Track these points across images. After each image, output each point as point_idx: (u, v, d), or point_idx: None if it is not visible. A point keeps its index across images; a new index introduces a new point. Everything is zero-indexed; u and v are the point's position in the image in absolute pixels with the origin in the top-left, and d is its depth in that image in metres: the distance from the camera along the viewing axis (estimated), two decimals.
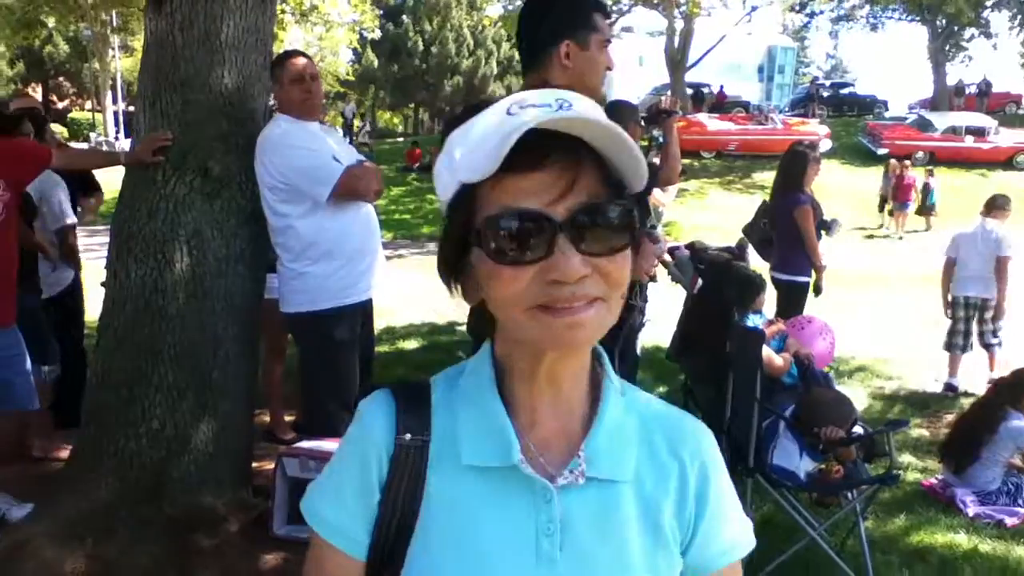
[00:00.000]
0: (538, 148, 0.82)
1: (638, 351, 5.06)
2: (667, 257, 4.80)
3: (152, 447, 3.39)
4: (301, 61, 3.66)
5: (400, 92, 39.93)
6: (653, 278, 2.42)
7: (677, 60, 26.91)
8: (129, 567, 3.12)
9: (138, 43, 28.16)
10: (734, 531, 1.01)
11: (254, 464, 3.88)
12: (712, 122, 23.88)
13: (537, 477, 0.91)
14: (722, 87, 31.50)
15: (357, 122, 35.36)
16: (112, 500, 3.32)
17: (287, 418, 4.86)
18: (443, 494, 0.93)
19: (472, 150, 0.86)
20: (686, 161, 4.99)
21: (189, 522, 3.33)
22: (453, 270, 0.93)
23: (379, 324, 4.31)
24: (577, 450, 0.93)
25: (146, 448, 3.39)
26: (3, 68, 39.29)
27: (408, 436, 0.94)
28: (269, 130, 3.57)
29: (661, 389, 5.73)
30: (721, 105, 29.76)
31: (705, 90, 30.35)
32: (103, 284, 3.67)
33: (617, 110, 5.03)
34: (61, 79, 42.60)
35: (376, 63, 38.51)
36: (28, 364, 3.71)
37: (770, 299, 4.82)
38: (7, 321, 3.60)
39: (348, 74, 36.90)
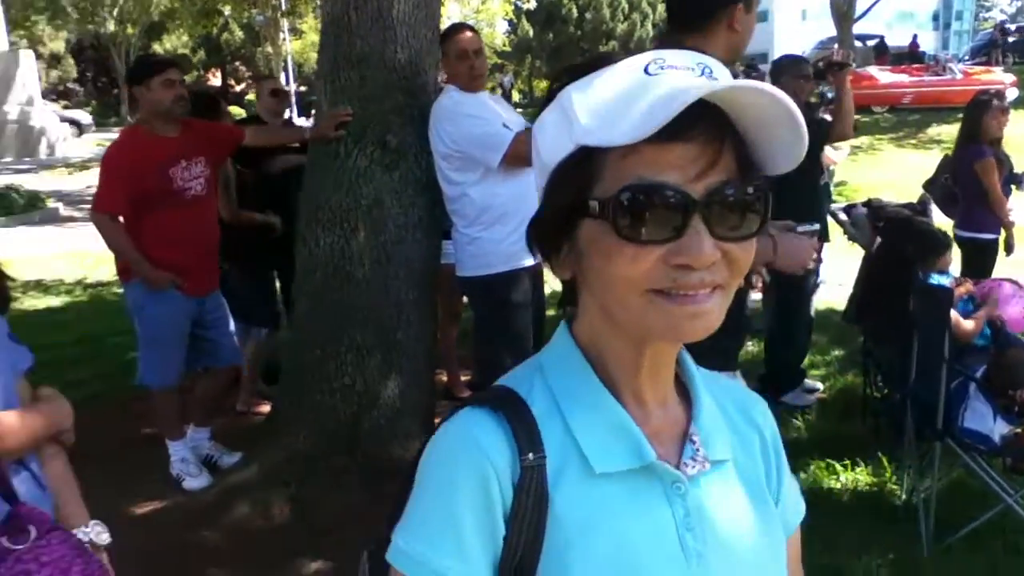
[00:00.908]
0: (684, 117, 0.71)
1: (812, 313, 4.94)
2: (842, 216, 4.65)
3: (344, 402, 3.64)
4: (466, 35, 3.78)
5: (556, 60, 39.82)
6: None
7: (844, 11, 25.49)
8: (327, 511, 3.38)
9: (306, 25, 29.49)
10: (797, 492, 1.00)
11: (436, 420, 4.08)
12: (884, 75, 22.55)
13: (672, 471, 0.85)
14: (915, 37, 29.60)
15: (516, 93, 35.59)
16: (310, 450, 3.60)
17: (463, 378, 5.06)
18: (572, 512, 0.82)
19: (608, 112, 0.76)
20: (856, 117, 4.77)
21: (379, 472, 3.56)
22: (550, 240, 0.85)
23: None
24: (684, 436, 0.88)
25: (339, 403, 3.64)
26: (187, 56, 42.22)
27: (531, 456, 0.81)
28: (441, 101, 3.71)
29: (837, 352, 5.56)
30: (914, 56, 27.92)
31: (871, 42, 28.66)
32: None
33: (781, 67, 4.89)
34: (237, 64, 45.18)
35: (531, 32, 38.63)
36: (232, 325, 4.06)
37: (956, 259, 4.58)
38: (213, 287, 3.95)
39: (504, 45, 37.21)
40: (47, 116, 23.42)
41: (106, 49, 37.49)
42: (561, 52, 38.99)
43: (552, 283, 7.74)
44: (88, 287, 8.99)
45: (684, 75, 0.77)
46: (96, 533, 1.34)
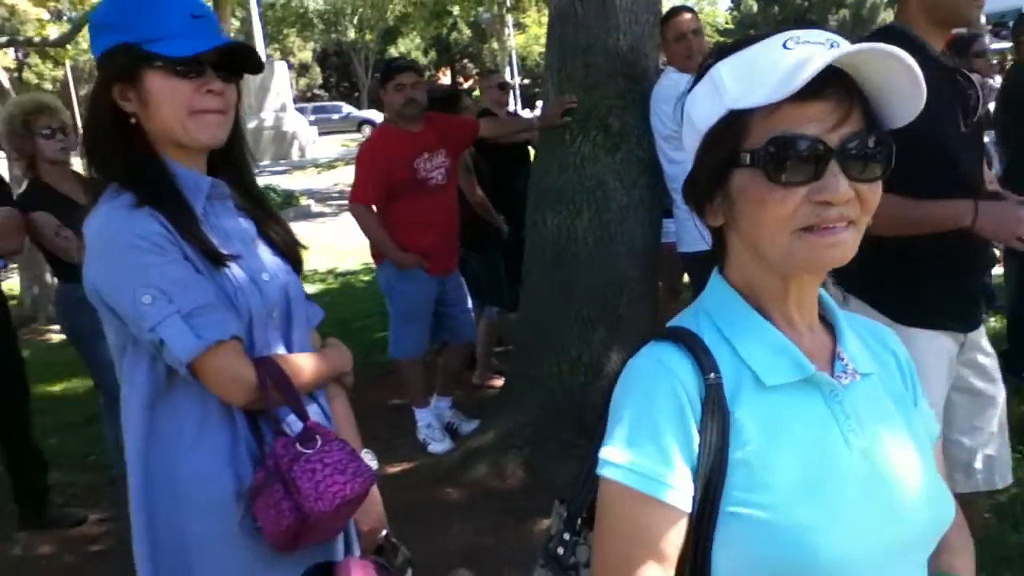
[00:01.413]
0: (819, 81, 0.88)
1: None
2: None
3: (572, 373, 3.87)
4: (684, 17, 3.87)
5: None
6: None
7: None
8: (556, 474, 3.62)
9: (529, 19, 30.22)
10: (931, 412, 1.13)
11: None
12: None
13: (830, 380, 1.00)
14: None
15: None
16: (540, 418, 3.86)
17: None
18: (751, 421, 0.96)
19: (754, 80, 0.93)
20: None
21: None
22: (704, 193, 1.00)
23: None
24: (833, 355, 1.04)
25: (567, 374, 3.88)
26: (419, 56, 44.63)
27: (712, 375, 0.96)
28: (660, 84, 3.83)
29: None
30: None
31: None
32: None
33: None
34: (465, 61, 47.15)
35: (755, 7, 37.39)
36: (469, 303, 4.42)
37: None
38: (453, 268, 4.31)
39: (727, 22, 36.31)
40: (298, 121, 25.66)
41: (347, 56, 40.46)
42: (786, 26, 37.47)
43: None
44: (338, 276, 9.89)
45: (816, 48, 0.91)
46: (369, 458, 1.62)
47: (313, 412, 1.56)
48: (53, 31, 12.32)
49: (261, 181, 14.96)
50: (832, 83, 0.91)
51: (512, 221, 4.89)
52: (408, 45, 42.32)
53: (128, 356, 1.47)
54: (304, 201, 15.83)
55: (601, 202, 3.90)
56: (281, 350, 1.56)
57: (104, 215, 1.44)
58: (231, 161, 1.59)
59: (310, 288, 8.98)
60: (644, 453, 0.95)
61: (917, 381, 1.13)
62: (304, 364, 1.56)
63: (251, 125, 22.69)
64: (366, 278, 9.44)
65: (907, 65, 0.91)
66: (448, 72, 45.79)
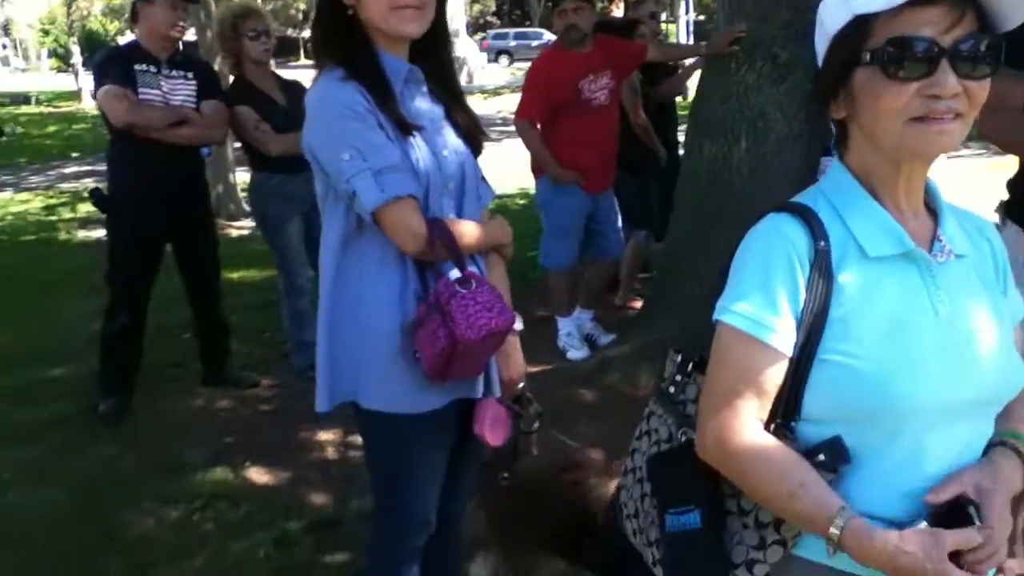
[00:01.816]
0: None
1: None
2: None
3: (712, 299, 3.99)
4: None
5: None
6: None
7: None
8: None
9: None
10: (1019, 295, 1.29)
11: None
12: None
13: (927, 256, 1.16)
14: None
15: None
16: (675, 337, 4.01)
17: None
18: (852, 284, 1.12)
19: None
20: None
21: None
22: (830, 89, 1.16)
23: None
24: (933, 237, 1.19)
25: (707, 298, 4.00)
26: None
27: (823, 243, 1.13)
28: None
29: None
30: None
31: None
32: None
33: None
34: None
35: None
36: (620, 223, 4.59)
37: None
38: (607, 186, 4.49)
39: None
40: (469, 47, 26.01)
41: None
42: None
43: None
44: (496, 198, 10.20)
45: None
46: (517, 319, 1.88)
47: (472, 270, 1.83)
48: None
49: None
50: None
51: (669, 147, 5.00)
52: None
53: (329, 204, 1.79)
54: None
55: (760, 132, 3.95)
56: (452, 216, 1.82)
57: (320, 87, 1.74)
58: (431, 52, 1.85)
59: None
60: (756, 303, 1.13)
61: (1009, 270, 1.27)
62: (469, 229, 1.83)
63: None
64: (522, 201, 9.73)
65: None
66: (622, 4, 44.91)
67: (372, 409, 1.81)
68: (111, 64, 3.74)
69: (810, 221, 1.15)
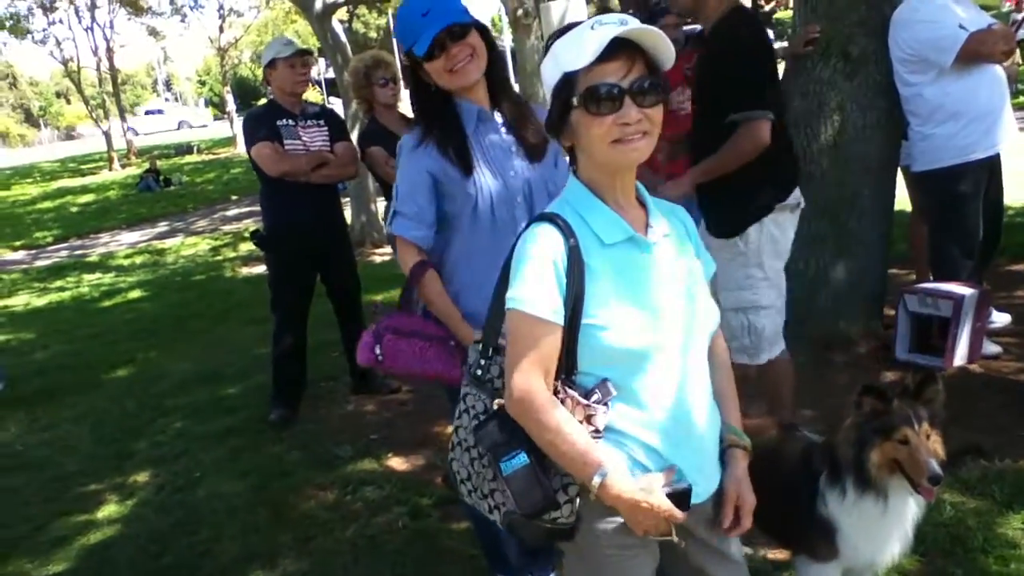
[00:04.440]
0: (613, 47, 1.47)
1: None
2: None
3: (799, 283, 4.23)
4: None
5: None
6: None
7: None
8: (779, 370, 4.05)
9: None
10: (709, 256, 1.78)
11: (884, 308, 4.44)
12: None
13: (644, 238, 1.59)
14: None
15: None
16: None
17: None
18: (598, 265, 1.54)
19: (574, 52, 1.50)
20: None
21: (828, 342, 4.16)
22: (558, 126, 1.58)
23: None
24: (646, 224, 1.62)
25: (792, 284, 4.23)
26: None
27: (573, 241, 1.53)
28: (900, 10, 4.02)
29: None
30: None
31: None
32: None
33: None
34: None
35: None
36: None
37: None
38: None
39: None
40: None
41: None
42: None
43: None
44: None
45: (610, 27, 1.48)
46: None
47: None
48: None
49: None
50: (622, 49, 1.50)
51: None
52: None
53: None
54: None
55: (838, 124, 4.19)
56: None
57: (404, 140, 2.41)
58: (495, 88, 2.38)
59: None
60: (535, 291, 1.53)
61: (699, 240, 1.77)
62: (433, 293, 2.36)
63: None
64: None
65: (659, 34, 1.50)
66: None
67: None
68: (258, 124, 4.41)
69: (561, 225, 1.55)
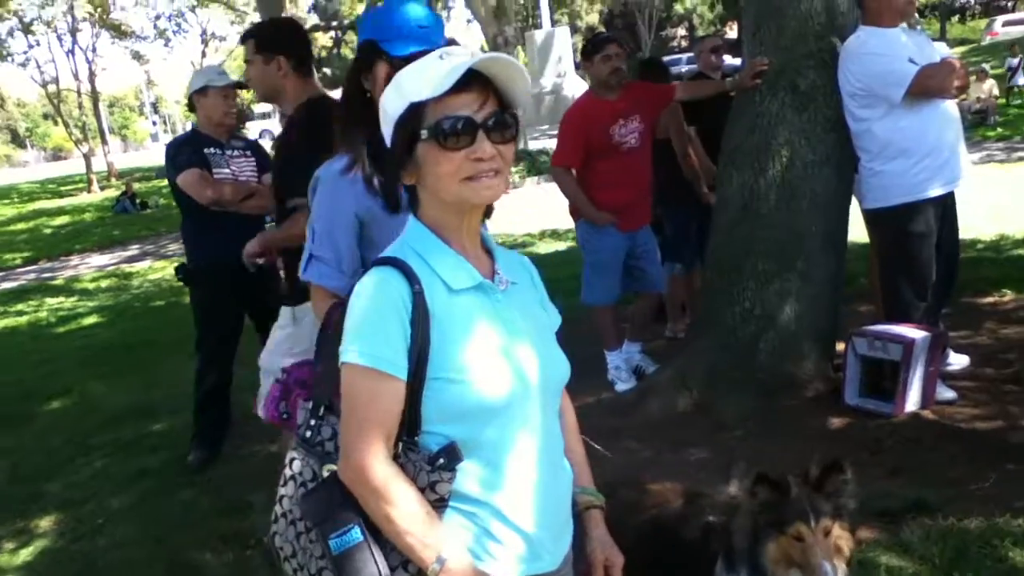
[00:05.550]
0: (466, 79, 1.34)
1: None
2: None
3: (744, 324, 4.07)
4: None
5: None
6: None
7: None
8: (724, 412, 3.89)
9: None
10: (553, 308, 1.64)
11: (838, 344, 4.24)
12: None
13: (493, 285, 1.46)
14: None
15: None
16: (714, 362, 4.11)
17: None
18: (444, 313, 1.38)
19: (423, 82, 1.36)
20: None
21: (774, 385, 3.97)
22: (399, 162, 1.42)
23: None
24: (493, 270, 1.49)
25: (739, 324, 4.09)
26: (705, 11, 43.85)
27: (417, 287, 1.37)
28: (849, 42, 3.88)
29: None
30: None
31: None
32: None
33: None
34: None
35: None
36: (659, 258, 4.73)
37: None
38: (643, 223, 4.64)
39: None
40: (579, 86, 26.38)
41: (632, 16, 40.59)
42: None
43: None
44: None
45: (463, 58, 1.36)
46: None
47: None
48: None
49: (537, 145, 15.92)
50: (474, 80, 1.37)
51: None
52: (694, 1, 41.66)
53: None
54: None
55: (786, 160, 4.04)
56: None
57: (323, 171, 2.11)
58: None
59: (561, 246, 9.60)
60: (374, 342, 1.35)
61: (543, 288, 1.65)
62: None
63: (532, 91, 23.64)
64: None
65: (516, 66, 1.39)
66: (736, 25, 44.45)
67: None
68: (183, 150, 4.21)
69: (404, 270, 1.39)
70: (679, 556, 1.98)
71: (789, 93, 4.03)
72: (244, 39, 3.18)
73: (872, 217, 3.96)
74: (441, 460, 1.36)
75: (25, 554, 3.65)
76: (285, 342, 3.18)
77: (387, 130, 1.45)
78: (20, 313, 10.70)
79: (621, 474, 3.51)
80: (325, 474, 1.44)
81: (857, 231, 4.36)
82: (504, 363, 1.41)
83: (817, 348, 4.09)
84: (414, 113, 1.38)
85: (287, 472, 1.53)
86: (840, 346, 4.14)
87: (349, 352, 1.36)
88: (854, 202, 4.19)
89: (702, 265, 4.86)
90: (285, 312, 3.42)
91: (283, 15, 9.00)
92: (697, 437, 3.78)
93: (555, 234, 10.50)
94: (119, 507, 3.98)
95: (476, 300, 1.44)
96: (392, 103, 1.42)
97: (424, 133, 1.38)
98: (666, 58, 17.53)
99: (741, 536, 1.87)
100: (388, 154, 1.47)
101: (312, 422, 1.52)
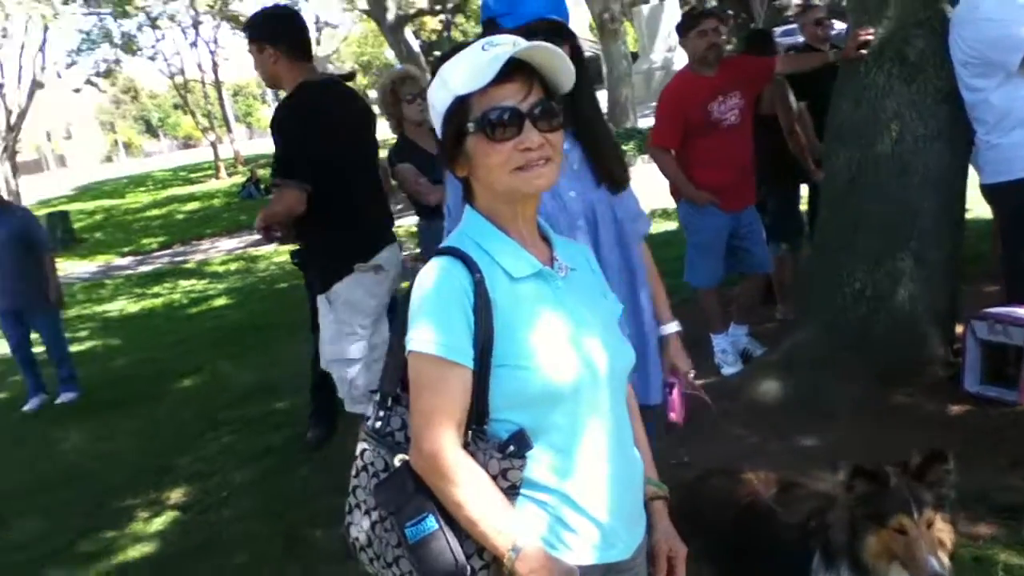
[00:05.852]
0: (509, 69, 1.36)
1: None
2: None
3: (855, 304, 3.95)
4: None
5: None
6: None
7: None
8: (830, 398, 3.78)
9: None
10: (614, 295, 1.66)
11: (958, 327, 4.06)
12: None
13: (552, 272, 1.48)
14: None
15: None
16: (820, 344, 4.01)
17: None
18: (506, 301, 1.40)
19: (467, 74, 1.38)
20: None
21: (887, 372, 3.83)
22: (451, 154, 1.44)
23: None
24: (552, 257, 1.51)
25: (850, 305, 3.96)
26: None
27: (478, 276, 1.38)
28: (961, 6, 3.68)
29: None
30: None
31: None
32: None
33: None
34: None
35: None
36: (764, 236, 4.63)
37: None
38: (747, 203, 4.55)
39: None
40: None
41: None
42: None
43: None
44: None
45: (505, 48, 1.37)
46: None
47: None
48: None
49: (646, 123, 15.52)
50: (517, 70, 1.38)
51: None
52: None
53: None
54: None
55: (895, 134, 3.87)
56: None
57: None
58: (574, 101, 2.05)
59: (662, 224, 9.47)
60: (440, 331, 1.37)
61: (604, 279, 1.66)
62: None
63: (642, 67, 23.28)
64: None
65: (558, 53, 1.39)
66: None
67: None
68: None
69: (465, 259, 1.41)
70: (772, 549, 1.96)
71: (896, 64, 3.85)
72: (243, 30, 3.41)
73: (991, 192, 3.77)
74: (511, 447, 1.38)
75: (157, 523, 3.94)
76: (332, 326, 3.48)
77: (436, 124, 1.47)
78: (156, 295, 11.39)
79: (724, 462, 3.50)
80: (397, 463, 1.45)
81: (983, 207, 4.16)
82: (568, 348, 1.42)
83: (934, 331, 3.92)
84: (460, 106, 1.40)
85: (358, 463, 1.55)
86: (960, 329, 3.98)
87: (415, 341, 1.38)
88: (974, 176, 4.00)
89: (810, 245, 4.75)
90: (321, 302, 3.62)
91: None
92: (805, 424, 3.69)
93: (665, 213, 10.36)
94: (242, 481, 4.24)
95: (537, 287, 1.45)
96: (439, 97, 1.44)
97: (471, 126, 1.40)
98: (780, 28, 16.95)
99: (839, 530, 1.82)
100: (439, 147, 1.49)
101: (381, 413, 1.53)
